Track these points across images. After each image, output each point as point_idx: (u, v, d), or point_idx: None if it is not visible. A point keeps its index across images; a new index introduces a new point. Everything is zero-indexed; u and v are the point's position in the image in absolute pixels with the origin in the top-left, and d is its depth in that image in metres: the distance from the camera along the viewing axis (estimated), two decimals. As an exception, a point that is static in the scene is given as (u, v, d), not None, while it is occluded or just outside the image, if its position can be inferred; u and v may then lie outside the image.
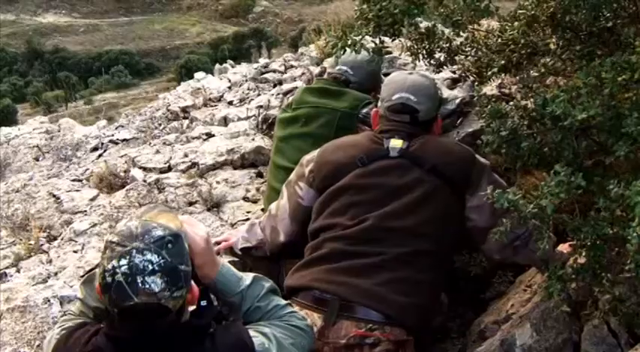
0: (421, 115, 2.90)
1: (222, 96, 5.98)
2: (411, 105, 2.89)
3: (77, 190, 4.55)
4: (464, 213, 2.79)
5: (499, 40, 2.87)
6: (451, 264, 3.07)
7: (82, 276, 3.46)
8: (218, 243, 3.23)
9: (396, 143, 2.83)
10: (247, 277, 2.30)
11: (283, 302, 2.32)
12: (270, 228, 3.11)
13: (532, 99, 2.42)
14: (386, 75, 4.09)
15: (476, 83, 3.22)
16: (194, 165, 4.48)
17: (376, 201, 2.75)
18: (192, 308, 2.05)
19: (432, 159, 2.78)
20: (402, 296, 2.64)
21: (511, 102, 2.64)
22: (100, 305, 2.14)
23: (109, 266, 1.85)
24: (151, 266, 1.84)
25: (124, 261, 1.84)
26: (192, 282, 2.01)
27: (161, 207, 2.12)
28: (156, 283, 1.84)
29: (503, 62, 2.81)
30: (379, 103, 3.02)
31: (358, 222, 2.73)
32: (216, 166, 4.43)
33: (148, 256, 1.85)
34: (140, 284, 1.83)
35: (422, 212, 2.72)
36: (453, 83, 4.37)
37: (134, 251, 1.85)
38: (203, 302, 2.12)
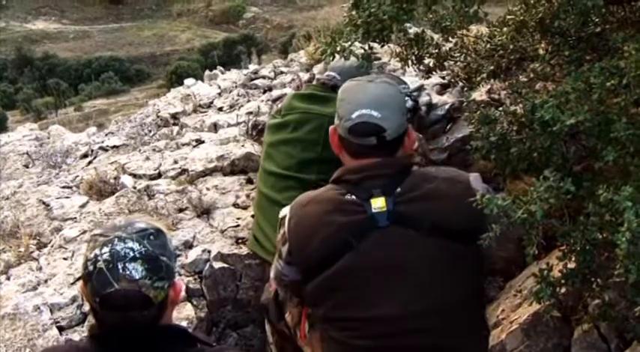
0: (389, 133, 2.32)
1: (212, 103, 5.97)
2: (375, 122, 2.32)
3: (67, 197, 4.54)
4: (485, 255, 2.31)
5: (488, 46, 2.89)
6: None
7: (73, 283, 3.45)
8: None
9: (378, 204, 2.27)
10: None
11: None
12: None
13: (521, 105, 2.42)
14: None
15: (465, 89, 3.24)
16: (184, 171, 4.47)
17: (386, 289, 2.27)
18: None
19: (428, 214, 2.26)
20: None
21: (500, 108, 2.65)
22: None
23: (92, 255, 1.86)
24: (132, 254, 1.84)
25: (105, 249, 1.85)
26: (177, 280, 2.00)
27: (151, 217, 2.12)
28: (136, 270, 1.84)
29: (492, 68, 2.82)
30: (336, 121, 2.45)
31: (373, 316, 2.27)
32: (206, 173, 4.42)
33: (130, 244, 1.86)
34: (121, 271, 1.82)
35: (443, 286, 2.27)
36: (443, 89, 4.39)
37: (116, 239, 1.86)
38: None
